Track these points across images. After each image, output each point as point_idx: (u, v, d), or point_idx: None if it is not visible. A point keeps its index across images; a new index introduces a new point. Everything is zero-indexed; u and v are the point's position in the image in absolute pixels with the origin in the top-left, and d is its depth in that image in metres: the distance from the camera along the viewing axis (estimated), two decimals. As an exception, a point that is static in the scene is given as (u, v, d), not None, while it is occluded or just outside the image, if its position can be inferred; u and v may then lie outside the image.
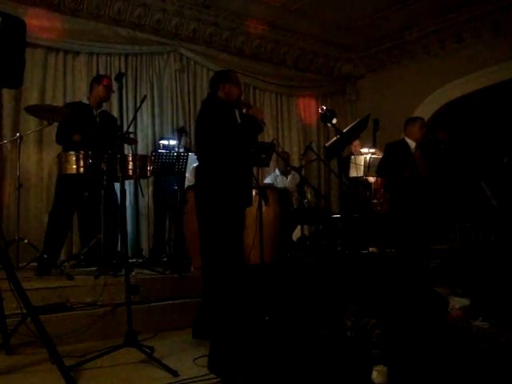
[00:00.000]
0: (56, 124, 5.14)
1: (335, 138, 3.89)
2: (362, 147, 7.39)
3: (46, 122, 5.08)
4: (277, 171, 7.55)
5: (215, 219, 3.90)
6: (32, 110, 4.74)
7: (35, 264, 4.96)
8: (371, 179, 7.15)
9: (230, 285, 3.59)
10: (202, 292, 4.15)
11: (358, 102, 9.79)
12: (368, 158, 6.96)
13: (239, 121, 4.11)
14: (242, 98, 4.27)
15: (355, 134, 4.44)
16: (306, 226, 7.54)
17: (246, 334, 2.85)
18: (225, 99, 4.05)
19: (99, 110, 5.40)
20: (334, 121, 3.86)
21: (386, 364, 2.38)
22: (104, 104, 6.78)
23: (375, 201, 7.16)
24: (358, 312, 2.45)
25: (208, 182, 3.95)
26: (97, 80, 5.43)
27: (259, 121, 4.04)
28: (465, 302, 3.95)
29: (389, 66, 9.31)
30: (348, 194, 7.33)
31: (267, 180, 7.44)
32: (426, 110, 8.72)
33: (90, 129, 5.01)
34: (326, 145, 4.15)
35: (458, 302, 3.89)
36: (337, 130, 3.81)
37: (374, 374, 2.38)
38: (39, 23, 6.39)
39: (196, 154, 4.43)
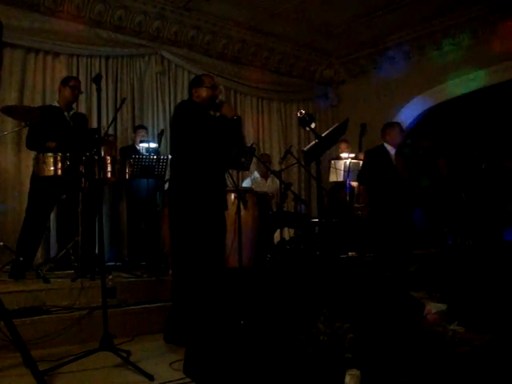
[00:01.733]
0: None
1: (313, 142, 3.90)
2: (350, 151, 7.43)
3: (23, 124, 5.02)
4: (255, 173, 7.55)
5: (186, 222, 3.91)
6: (9, 111, 4.69)
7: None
8: (353, 184, 7.19)
9: (205, 288, 3.58)
10: (171, 296, 4.14)
11: (339, 107, 9.84)
12: (348, 163, 7.00)
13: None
14: (217, 99, 4.25)
15: (334, 139, 4.45)
16: (286, 230, 7.56)
17: (222, 338, 2.84)
18: (199, 102, 4.10)
19: (71, 113, 5.36)
20: (313, 125, 3.86)
21: (360, 368, 2.39)
22: (84, 106, 6.78)
23: (357, 205, 7.20)
24: (331, 316, 2.45)
25: (181, 184, 3.96)
26: (63, 82, 5.38)
27: (230, 118, 4.05)
28: (441, 306, 3.97)
29: (370, 71, 9.37)
30: (328, 198, 7.36)
31: (245, 182, 7.44)
32: (406, 115, 8.81)
33: (64, 134, 4.96)
34: (304, 149, 4.15)
35: (434, 307, 3.91)
36: (315, 134, 3.81)
37: (347, 378, 2.38)
38: (18, 23, 6.34)
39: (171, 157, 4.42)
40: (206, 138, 3.94)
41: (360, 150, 7.30)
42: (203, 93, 4.12)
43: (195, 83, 4.20)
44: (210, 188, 4.00)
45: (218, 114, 4.19)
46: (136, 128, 6.89)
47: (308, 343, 2.39)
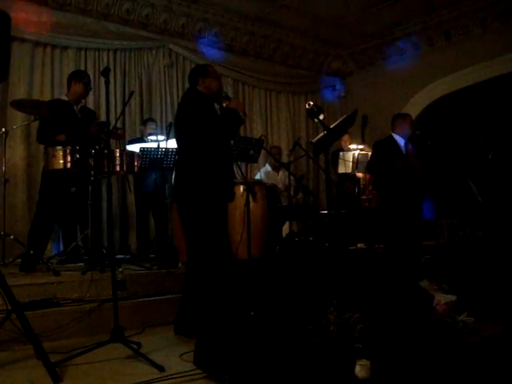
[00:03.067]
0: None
1: (322, 133, 3.90)
2: (351, 143, 7.42)
3: (32, 117, 5.05)
4: (268, 166, 7.56)
5: (196, 214, 3.89)
6: (17, 105, 4.71)
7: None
8: (359, 175, 7.18)
9: (216, 280, 3.59)
10: (182, 287, 4.16)
11: (347, 99, 9.80)
12: (356, 155, 6.99)
13: (219, 114, 4.11)
14: (223, 92, 4.24)
15: (342, 130, 4.45)
16: (295, 223, 7.57)
17: (232, 329, 2.85)
18: (205, 93, 4.04)
19: (79, 106, 5.38)
20: (321, 116, 3.86)
21: (370, 358, 2.39)
22: (92, 99, 6.80)
23: (364, 197, 7.19)
24: (341, 306, 2.46)
25: (188, 177, 3.93)
26: (77, 77, 5.33)
27: (240, 113, 4.04)
28: (451, 297, 3.97)
29: (378, 62, 9.33)
30: (336, 189, 7.35)
31: (258, 175, 7.46)
32: (415, 106, 8.76)
33: (74, 127, 4.98)
34: (313, 141, 4.15)
35: (444, 298, 3.90)
36: (323, 125, 3.81)
37: (357, 368, 2.38)
38: (26, 17, 6.34)
39: (176, 149, 4.41)
40: (216, 130, 3.92)
41: (363, 142, 7.28)
42: (212, 84, 4.06)
43: (202, 73, 4.09)
44: (219, 179, 3.99)
45: (224, 105, 4.15)
46: (145, 121, 6.88)
47: (318, 333, 2.40)
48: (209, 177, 3.90)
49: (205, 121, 3.87)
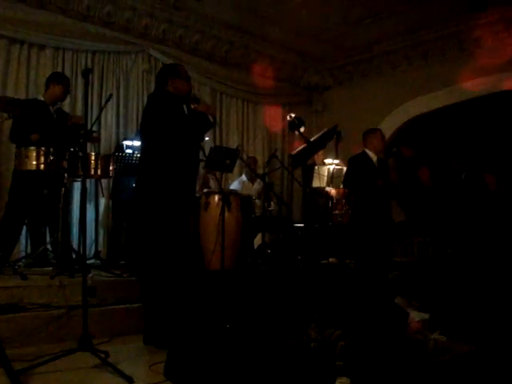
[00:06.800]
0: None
1: (302, 146, 3.90)
2: (325, 157, 7.44)
3: (5, 115, 4.92)
4: (243, 176, 7.54)
5: (154, 217, 3.81)
6: (-10, 102, 4.59)
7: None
8: (332, 190, 7.19)
9: (188, 290, 3.53)
10: (140, 296, 4.07)
11: (324, 114, 9.84)
12: (332, 169, 7.00)
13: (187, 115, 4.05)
14: (192, 94, 4.18)
15: (321, 144, 4.46)
16: (267, 234, 7.53)
17: (206, 341, 2.79)
18: (175, 93, 3.98)
19: (55, 107, 5.29)
20: (302, 129, 3.85)
21: (349, 376, 2.37)
22: (68, 100, 6.68)
23: (337, 212, 7.19)
24: (322, 323, 2.43)
25: (150, 178, 3.84)
26: (57, 79, 5.29)
27: (208, 116, 3.99)
28: (424, 315, 3.99)
29: (356, 78, 9.41)
30: (310, 203, 7.36)
31: (234, 185, 7.42)
32: (390, 124, 8.85)
33: (49, 128, 4.89)
34: (292, 153, 4.14)
35: (417, 315, 3.92)
36: (304, 138, 3.81)
37: (337, 386, 2.36)
38: (3, 13, 6.21)
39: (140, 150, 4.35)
40: (182, 131, 3.84)
41: (337, 157, 7.33)
42: (181, 85, 3.99)
43: (171, 73, 4.02)
44: (181, 182, 3.90)
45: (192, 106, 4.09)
46: None
47: (298, 350, 2.36)
48: (171, 179, 3.81)
49: (172, 121, 3.80)
